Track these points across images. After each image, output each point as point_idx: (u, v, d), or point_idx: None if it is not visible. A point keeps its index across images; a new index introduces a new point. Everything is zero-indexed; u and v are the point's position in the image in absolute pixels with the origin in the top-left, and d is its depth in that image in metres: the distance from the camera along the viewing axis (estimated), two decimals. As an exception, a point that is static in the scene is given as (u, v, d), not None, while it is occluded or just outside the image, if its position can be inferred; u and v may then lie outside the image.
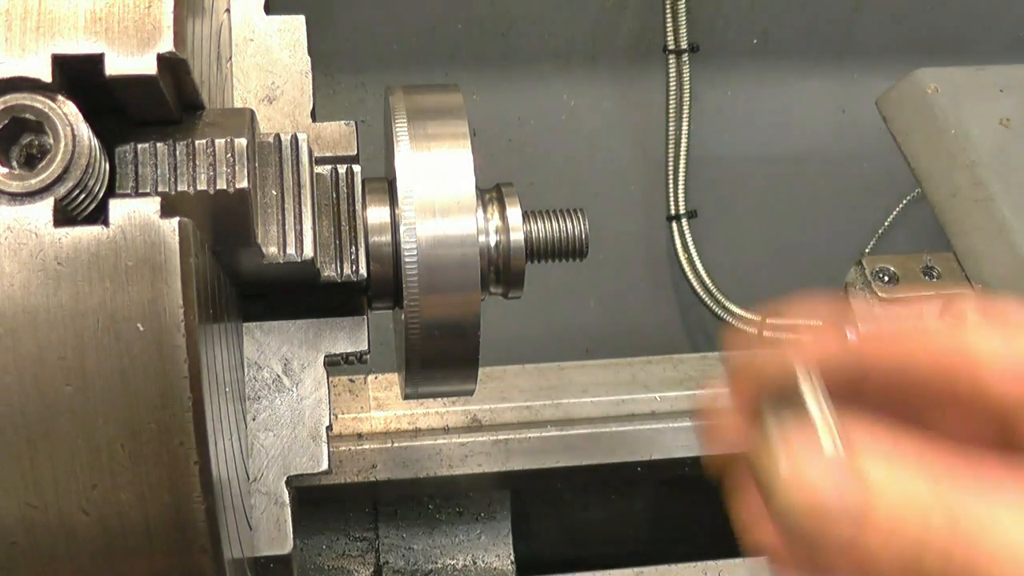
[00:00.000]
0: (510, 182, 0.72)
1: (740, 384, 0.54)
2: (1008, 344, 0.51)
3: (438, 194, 0.64)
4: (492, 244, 0.68)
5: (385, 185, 0.68)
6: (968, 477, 0.47)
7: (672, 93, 1.63)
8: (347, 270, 0.65)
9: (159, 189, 0.52)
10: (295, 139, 0.61)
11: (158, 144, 0.53)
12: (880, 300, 1.07)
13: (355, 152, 0.70)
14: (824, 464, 0.47)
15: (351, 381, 1.14)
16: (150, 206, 0.49)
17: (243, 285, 0.65)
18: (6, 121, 0.48)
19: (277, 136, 0.61)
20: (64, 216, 0.49)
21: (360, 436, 1.11)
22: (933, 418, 0.53)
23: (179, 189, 0.53)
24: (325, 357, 0.69)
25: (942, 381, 0.52)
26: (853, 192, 1.77)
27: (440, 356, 0.67)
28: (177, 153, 0.53)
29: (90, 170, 0.49)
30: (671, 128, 1.64)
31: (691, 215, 1.69)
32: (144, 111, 0.53)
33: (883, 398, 0.53)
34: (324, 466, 0.68)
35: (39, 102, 0.49)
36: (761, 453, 0.49)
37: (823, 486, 0.46)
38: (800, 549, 0.48)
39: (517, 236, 0.68)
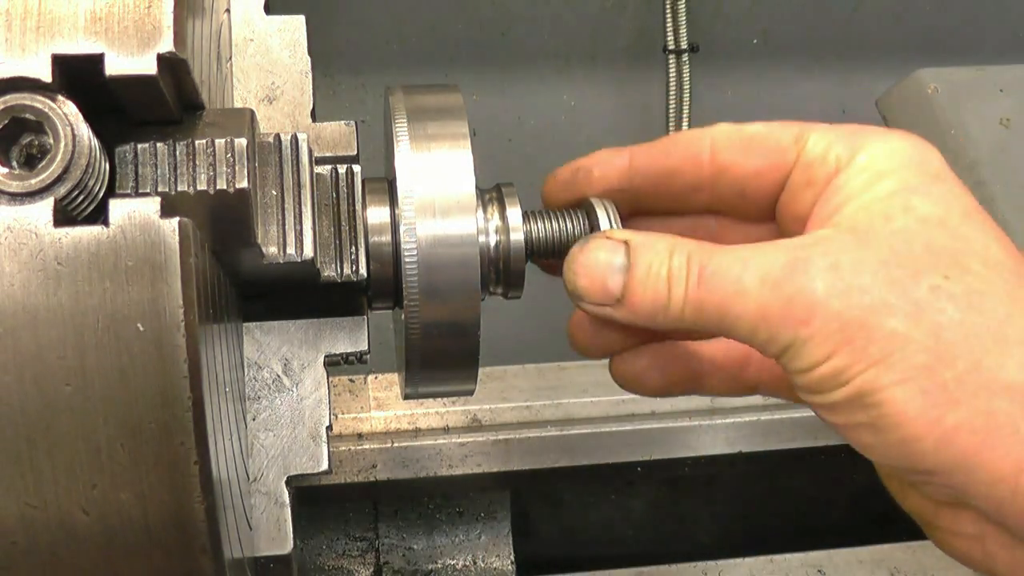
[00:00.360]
0: (510, 182, 0.72)
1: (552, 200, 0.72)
2: (738, 128, 0.66)
3: (438, 194, 0.64)
4: (492, 244, 0.68)
5: (385, 185, 0.68)
6: (709, 244, 0.60)
7: (672, 93, 1.63)
8: (347, 270, 0.65)
9: (159, 189, 0.52)
10: (295, 139, 0.61)
11: (158, 144, 0.53)
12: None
13: (355, 152, 0.70)
14: (599, 238, 0.62)
15: (351, 381, 1.14)
16: (150, 206, 0.49)
17: (243, 285, 0.65)
18: (6, 121, 0.48)
19: (277, 136, 0.61)
20: (64, 216, 0.49)
21: (360, 436, 1.11)
22: (696, 205, 0.69)
23: (179, 189, 0.53)
24: (325, 357, 0.69)
25: (693, 166, 0.67)
26: (853, 192, 1.76)
27: (440, 356, 0.67)
28: (177, 153, 0.53)
29: (90, 170, 0.49)
30: (671, 128, 1.64)
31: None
32: (144, 111, 0.53)
33: (658, 200, 0.69)
34: (324, 466, 0.68)
35: (39, 102, 0.49)
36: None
37: (601, 250, 0.62)
38: (591, 314, 0.64)
39: (517, 236, 0.68)
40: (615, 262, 0.61)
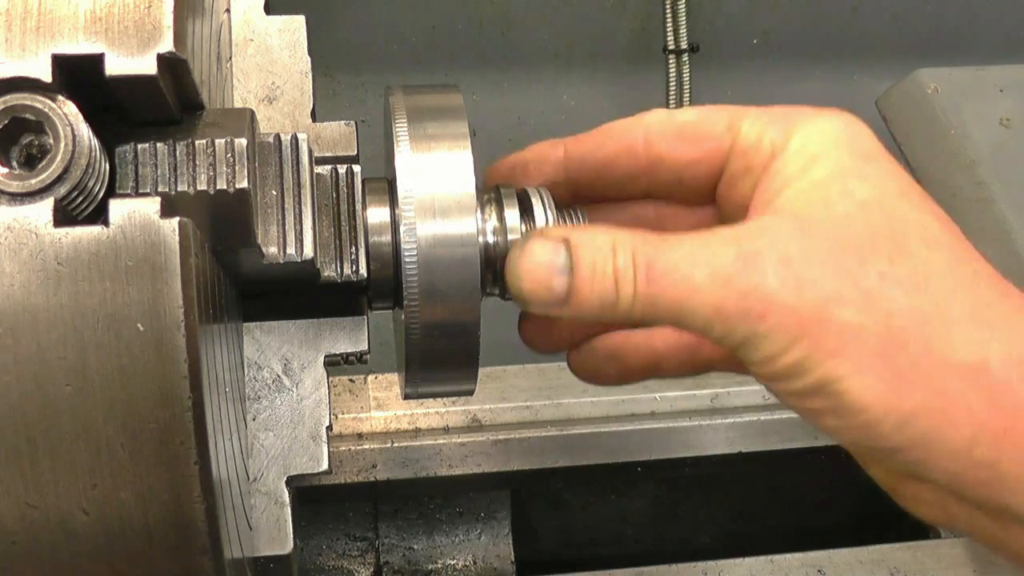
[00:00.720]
0: (510, 183, 0.72)
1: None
2: (671, 116, 0.66)
3: (438, 194, 0.64)
4: (491, 244, 0.68)
5: (385, 185, 0.68)
6: (651, 235, 0.59)
7: (672, 93, 1.63)
8: (347, 270, 0.65)
9: (159, 189, 0.52)
10: (295, 139, 0.61)
11: (158, 144, 0.53)
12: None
13: (355, 152, 0.70)
14: (538, 238, 0.61)
15: (351, 381, 1.14)
16: (150, 206, 0.49)
17: (243, 285, 0.65)
18: (6, 121, 0.48)
19: (277, 136, 0.61)
20: (64, 216, 0.49)
21: (360, 436, 1.11)
22: (635, 191, 0.69)
23: (179, 189, 0.53)
24: (325, 357, 0.69)
25: (628, 156, 0.67)
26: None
27: (440, 356, 0.67)
28: (177, 153, 0.53)
29: (90, 170, 0.49)
30: (671, 128, 1.64)
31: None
32: (144, 111, 0.53)
33: (596, 189, 0.70)
34: (324, 466, 0.68)
35: (39, 102, 0.49)
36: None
37: (541, 252, 0.60)
38: (536, 313, 0.62)
39: (516, 237, 0.68)
40: (557, 262, 0.60)
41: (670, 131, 0.66)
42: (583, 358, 0.71)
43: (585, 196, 0.71)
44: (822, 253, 0.56)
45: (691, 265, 0.57)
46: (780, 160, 0.61)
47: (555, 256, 0.60)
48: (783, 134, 0.61)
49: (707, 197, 0.68)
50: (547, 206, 0.68)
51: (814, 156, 0.59)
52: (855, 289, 0.55)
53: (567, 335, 0.71)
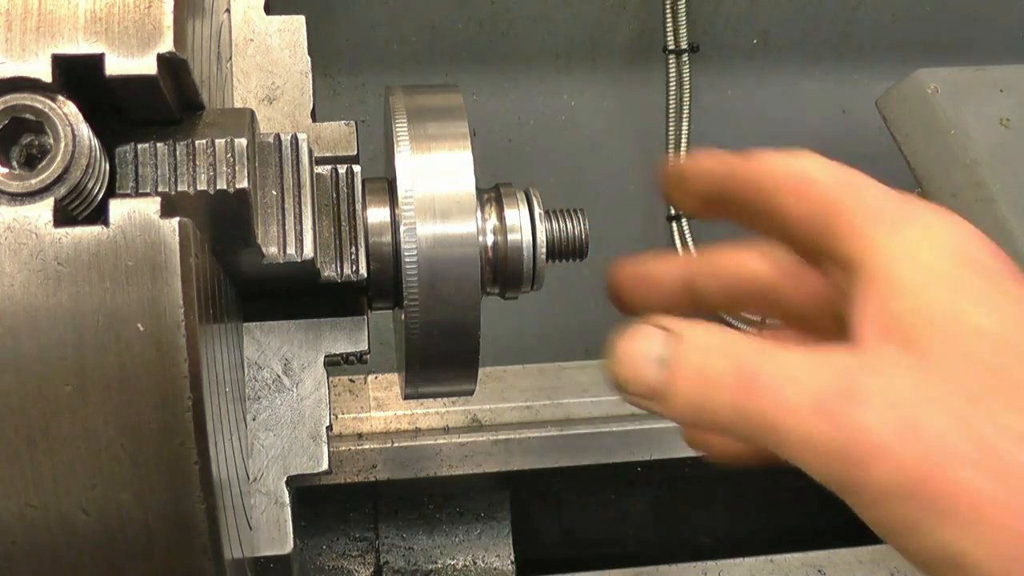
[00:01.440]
0: (510, 182, 0.72)
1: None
2: (791, 158, 0.59)
3: (438, 194, 0.64)
4: (490, 244, 0.68)
5: (385, 185, 0.68)
6: (758, 340, 0.54)
7: (672, 93, 1.63)
8: (347, 270, 0.65)
9: (159, 189, 0.52)
10: (295, 139, 0.61)
11: (158, 144, 0.53)
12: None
13: (355, 152, 0.70)
14: (646, 326, 0.56)
15: (351, 381, 1.14)
16: (150, 206, 0.49)
17: (243, 285, 0.65)
18: (6, 121, 0.48)
19: (277, 136, 0.61)
20: (64, 216, 0.49)
21: (360, 436, 1.11)
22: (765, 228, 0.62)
23: (179, 189, 0.53)
24: (325, 357, 0.69)
25: (767, 200, 0.59)
26: (853, 192, 1.76)
27: (440, 356, 0.67)
28: (177, 153, 0.53)
29: (90, 170, 0.49)
30: (671, 128, 1.64)
31: (691, 215, 1.69)
32: (144, 111, 0.53)
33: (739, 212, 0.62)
34: (324, 466, 0.68)
35: (39, 102, 0.49)
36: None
37: (643, 342, 0.55)
38: (631, 404, 0.57)
39: (515, 236, 0.68)
40: (656, 352, 0.55)
41: (794, 175, 0.59)
42: (698, 435, 0.68)
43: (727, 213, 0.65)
44: (939, 398, 0.49)
45: (793, 383, 0.51)
46: (888, 260, 0.53)
47: (656, 346, 0.55)
48: (889, 229, 0.54)
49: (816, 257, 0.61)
50: (536, 203, 0.68)
51: (930, 268, 0.52)
52: (974, 445, 0.48)
53: (656, 299, 0.67)
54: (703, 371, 0.53)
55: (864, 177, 0.58)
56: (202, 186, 0.53)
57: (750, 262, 0.65)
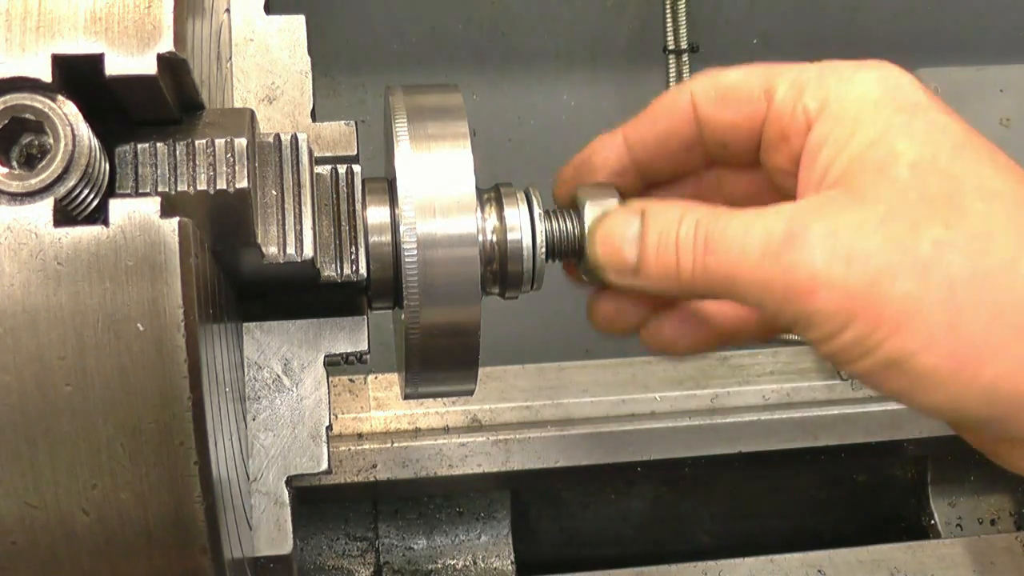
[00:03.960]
0: (509, 182, 0.72)
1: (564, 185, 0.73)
2: (714, 78, 0.65)
3: (438, 194, 0.64)
4: (490, 244, 0.68)
5: (385, 185, 0.68)
6: (718, 208, 0.60)
7: (672, 93, 1.63)
8: (347, 270, 0.65)
9: (159, 189, 0.52)
10: (295, 139, 0.61)
11: (158, 144, 0.53)
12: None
13: (355, 152, 0.70)
14: (618, 208, 0.64)
15: (351, 381, 1.14)
16: (150, 206, 0.49)
17: (243, 285, 0.65)
18: (6, 121, 0.48)
19: (277, 136, 0.61)
20: (64, 216, 0.49)
21: (360, 436, 1.11)
22: (696, 162, 0.69)
23: (179, 189, 0.53)
24: (325, 357, 0.69)
25: (681, 125, 0.67)
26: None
27: (440, 356, 0.67)
28: (177, 153, 0.53)
29: (90, 170, 0.49)
30: (671, 128, 1.64)
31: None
32: (144, 111, 0.53)
33: (662, 167, 0.70)
34: (324, 466, 0.68)
35: (39, 102, 0.49)
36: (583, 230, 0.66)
37: (617, 220, 0.63)
38: (614, 285, 0.65)
39: (515, 236, 0.68)
40: (630, 232, 0.62)
41: (712, 93, 0.65)
42: (655, 332, 0.70)
43: (654, 179, 0.71)
44: (873, 223, 0.54)
45: (744, 235, 0.56)
46: (820, 127, 0.58)
47: (629, 225, 0.62)
48: (818, 99, 0.59)
49: (755, 161, 0.66)
50: (536, 202, 0.69)
51: (856, 119, 0.57)
52: (910, 260, 0.53)
53: (632, 315, 0.70)
54: (668, 240, 0.60)
55: (771, 69, 0.63)
56: (202, 186, 0.53)
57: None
